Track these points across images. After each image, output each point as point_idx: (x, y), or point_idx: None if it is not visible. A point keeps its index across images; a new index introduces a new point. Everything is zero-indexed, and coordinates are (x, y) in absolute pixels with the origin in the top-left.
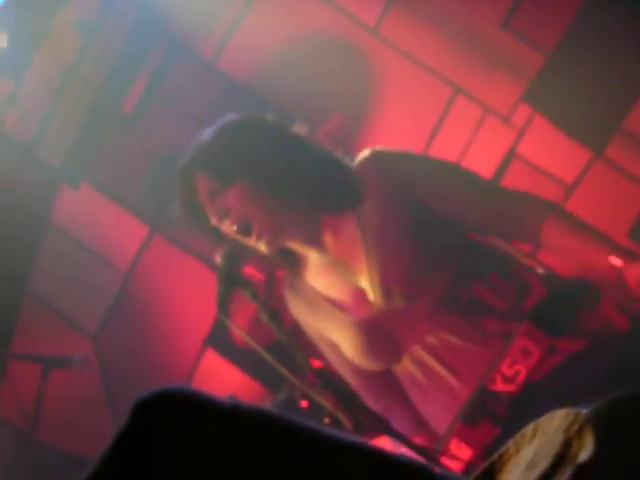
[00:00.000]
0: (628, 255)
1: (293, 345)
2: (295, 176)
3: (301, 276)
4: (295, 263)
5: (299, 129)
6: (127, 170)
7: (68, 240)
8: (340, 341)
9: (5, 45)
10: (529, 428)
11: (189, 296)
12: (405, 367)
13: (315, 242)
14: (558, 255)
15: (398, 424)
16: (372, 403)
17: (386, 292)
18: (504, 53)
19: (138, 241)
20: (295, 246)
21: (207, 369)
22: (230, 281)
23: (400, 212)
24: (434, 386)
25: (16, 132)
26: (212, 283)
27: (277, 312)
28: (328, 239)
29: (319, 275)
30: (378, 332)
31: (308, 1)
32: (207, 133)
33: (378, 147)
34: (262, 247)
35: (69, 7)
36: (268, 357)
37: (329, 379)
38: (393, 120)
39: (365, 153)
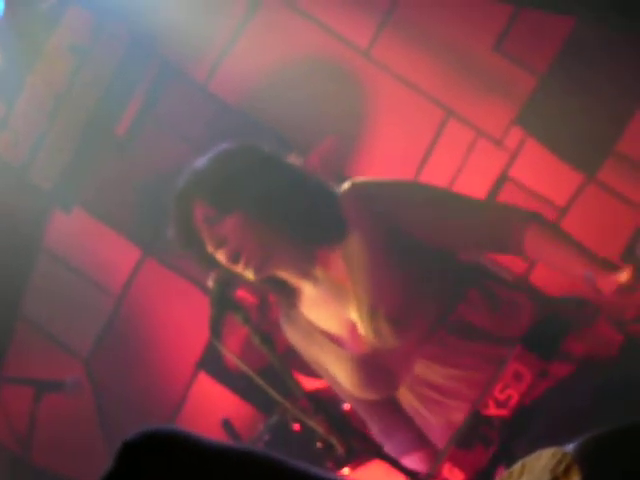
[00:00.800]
0: (607, 266)
1: (285, 369)
2: (287, 207)
3: (296, 307)
4: (289, 294)
5: (293, 159)
6: (119, 193)
7: (60, 263)
8: (337, 373)
9: None
10: (516, 466)
11: (181, 319)
12: (403, 394)
13: (306, 274)
14: (543, 266)
15: (398, 442)
16: (372, 425)
17: (375, 327)
18: (496, 76)
19: (130, 264)
20: (288, 277)
21: (200, 392)
22: (222, 305)
23: (383, 242)
24: (430, 411)
25: (7, 156)
26: (204, 306)
27: (269, 336)
28: (319, 272)
29: (314, 308)
30: (373, 365)
31: (300, 24)
32: (201, 161)
33: (357, 179)
34: (249, 275)
35: (61, 30)
36: (260, 381)
37: (321, 403)
38: (385, 142)
39: (345, 185)
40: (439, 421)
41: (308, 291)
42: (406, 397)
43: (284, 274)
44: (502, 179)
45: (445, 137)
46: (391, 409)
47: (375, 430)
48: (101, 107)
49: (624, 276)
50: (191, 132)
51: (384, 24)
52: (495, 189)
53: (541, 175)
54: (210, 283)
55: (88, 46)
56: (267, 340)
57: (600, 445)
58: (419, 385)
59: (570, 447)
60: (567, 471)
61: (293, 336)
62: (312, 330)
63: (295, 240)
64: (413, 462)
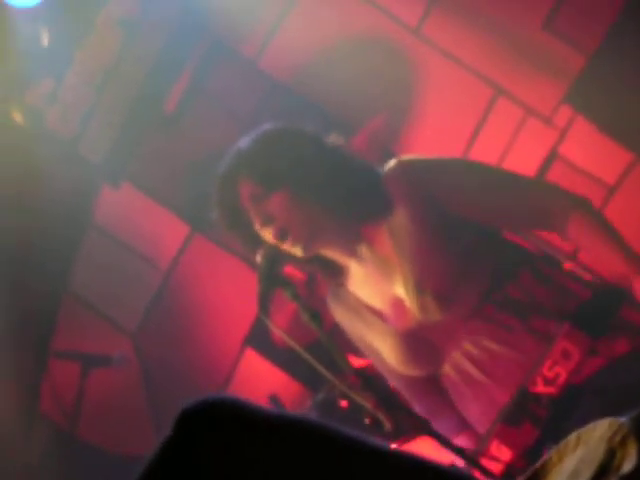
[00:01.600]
0: None
1: (333, 345)
2: (331, 185)
3: (343, 285)
4: (337, 272)
5: (335, 140)
6: (168, 169)
7: (109, 237)
8: (381, 349)
9: (46, 43)
10: (572, 437)
11: (229, 295)
12: (446, 373)
13: (352, 251)
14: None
15: (441, 424)
16: (415, 404)
17: (421, 302)
18: (545, 54)
19: (179, 240)
20: (334, 255)
21: (247, 368)
22: (271, 280)
23: (430, 220)
24: (473, 392)
25: (57, 128)
26: (252, 282)
27: (318, 312)
28: (364, 249)
29: (360, 285)
30: (418, 341)
31: (350, 1)
32: (245, 141)
33: (403, 156)
34: (297, 252)
35: (111, 4)
36: (308, 357)
37: (369, 379)
38: (434, 120)
39: (391, 163)
40: (481, 402)
41: (354, 269)
42: (450, 375)
43: (331, 252)
44: (551, 157)
45: (494, 115)
46: (434, 390)
47: (421, 409)
48: (150, 82)
49: None
50: (240, 109)
51: (434, 2)
52: (544, 167)
53: (590, 154)
54: (258, 259)
55: (137, 20)
56: (315, 316)
57: None
58: (463, 362)
59: (626, 418)
60: (623, 442)
61: (340, 314)
62: (359, 307)
63: (340, 217)
64: (461, 444)
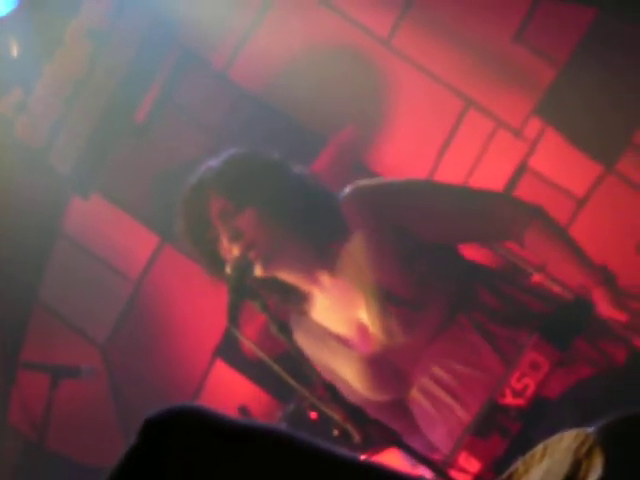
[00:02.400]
0: (603, 277)
1: (302, 357)
2: (293, 209)
3: (306, 313)
4: (298, 300)
5: (299, 169)
6: (138, 179)
7: (78, 248)
8: (347, 376)
9: (15, 53)
10: (538, 448)
11: (199, 306)
12: (413, 396)
13: (313, 278)
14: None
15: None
16: None
17: (385, 326)
18: (516, 66)
19: (148, 251)
20: (296, 282)
21: (217, 380)
22: (240, 292)
23: (387, 243)
24: (440, 414)
25: (26, 138)
26: (222, 294)
27: (286, 323)
28: (326, 276)
29: (324, 312)
30: (383, 366)
31: (320, 12)
32: (215, 161)
33: (359, 181)
34: (257, 270)
35: (81, 15)
36: (277, 368)
37: (338, 391)
38: (405, 132)
39: (347, 189)
40: (448, 423)
41: (317, 296)
42: (416, 398)
43: (292, 278)
44: (521, 169)
45: (464, 127)
46: (400, 414)
47: None
48: (120, 93)
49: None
50: (210, 119)
51: (404, 13)
52: (514, 179)
53: (560, 166)
54: (228, 270)
55: (107, 32)
56: (284, 328)
57: (623, 427)
58: (429, 385)
59: (592, 429)
60: (590, 452)
61: (303, 342)
62: (322, 335)
63: (301, 241)
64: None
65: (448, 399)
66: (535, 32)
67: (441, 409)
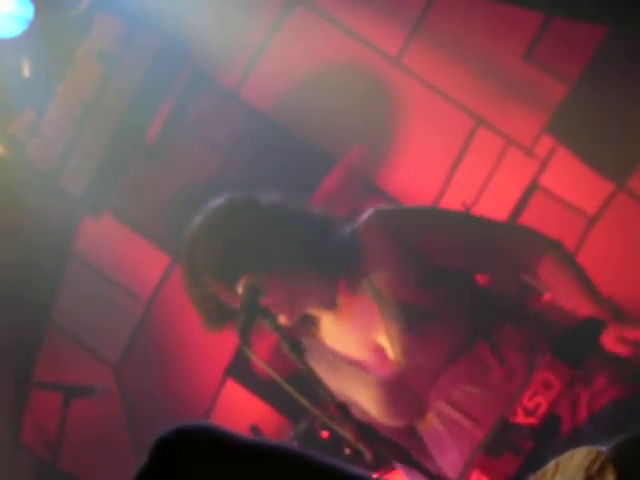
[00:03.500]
0: (611, 314)
1: (314, 376)
2: (297, 249)
3: (316, 337)
4: (309, 324)
5: (298, 202)
6: (149, 200)
7: (90, 269)
8: (361, 400)
9: (27, 74)
10: (550, 465)
11: None
12: (427, 420)
13: (330, 304)
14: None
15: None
16: None
17: (405, 348)
18: (526, 84)
19: (159, 270)
20: (315, 313)
21: (228, 399)
22: (252, 311)
23: (407, 267)
24: (453, 435)
25: (38, 160)
26: None
27: (298, 342)
28: (342, 300)
29: (336, 336)
30: (400, 390)
31: (331, 32)
32: (199, 224)
33: (379, 207)
34: (282, 320)
35: (92, 37)
36: (289, 388)
37: (349, 410)
38: (415, 151)
39: (366, 214)
40: (463, 446)
41: (329, 320)
42: (431, 422)
43: (314, 311)
44: (532, 188)
45: (475, 146)
46: (411, 441)
47: None
48: (131, 114)
49: (627, 329)
50: (221, 139)
51: (414, 32)
52: (525, 198)
53: (571, 184)
54: (239, 290)
55: (118, 54)
56: (296, 347)
57: (635, 445)
58: (446, 408)
59: (604, 447)
60: (601, 470)
61: (315, 366)
62: (334, 359)
63: (315, 277)
64: None
65: (466, 422)
66: (545, 50)
67: (456, 433)
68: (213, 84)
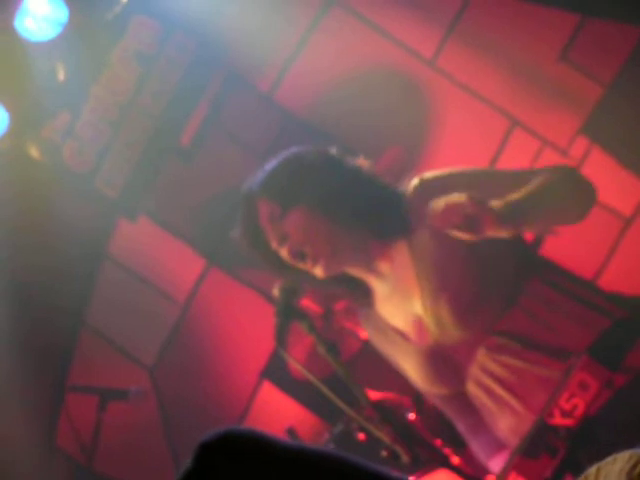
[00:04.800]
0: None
1: (350, 378)
2: (350, 203)
3: (371, 305)
4: (363, 293)
5: (360, 162)
6: (184, 202)
7: (125, 272)
8: (406, 368)
9: (62, 77)
10: (591, 471)
11: (246, 328)
12: (472, 391)
13: (373, 269)
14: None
15: (479, 442)
16: (458, 422)
17: (439, 320)
18: (562, 85)
19: (195, 273)
20: (358, 274)
21: (264, 402)
22: (287, 313)
23: (452, 239)
24: (498, 407)
25: (73, 164)
26: (269, 315)
27: (334, 345)
28: (385, 267)
29: (384, 304)
30: (440, 359)
31: (366, 34)
32: (271, 163)
33: (425, 174)
34: (318, 272)
35: (127, 39)
36: (325, 390)
37: (386, 412)
38: (450, 152)
39: (413, 182)
40: (507, 418)
41: (378, 287)
42: (475, 393)
43: (353, 271)
44: None
45: (510, 147)
46: (467, 409)
47: (461, 428)
48: (166, 116)
49: None
50: (256, 141)
51: (449, 34)
52: None
53: (607, 185)
54: (275, 292)
55: (154, 55)
56: (332, 349)
57: None
58: (483, 377)
59: None
60: None
61: (371, 334)
62: (385, 327)
63: (359, 235)
64: (500, 463)
65: (503, 393)
66: (581, 51)
67: (499, 402)
68: (248, 86)
